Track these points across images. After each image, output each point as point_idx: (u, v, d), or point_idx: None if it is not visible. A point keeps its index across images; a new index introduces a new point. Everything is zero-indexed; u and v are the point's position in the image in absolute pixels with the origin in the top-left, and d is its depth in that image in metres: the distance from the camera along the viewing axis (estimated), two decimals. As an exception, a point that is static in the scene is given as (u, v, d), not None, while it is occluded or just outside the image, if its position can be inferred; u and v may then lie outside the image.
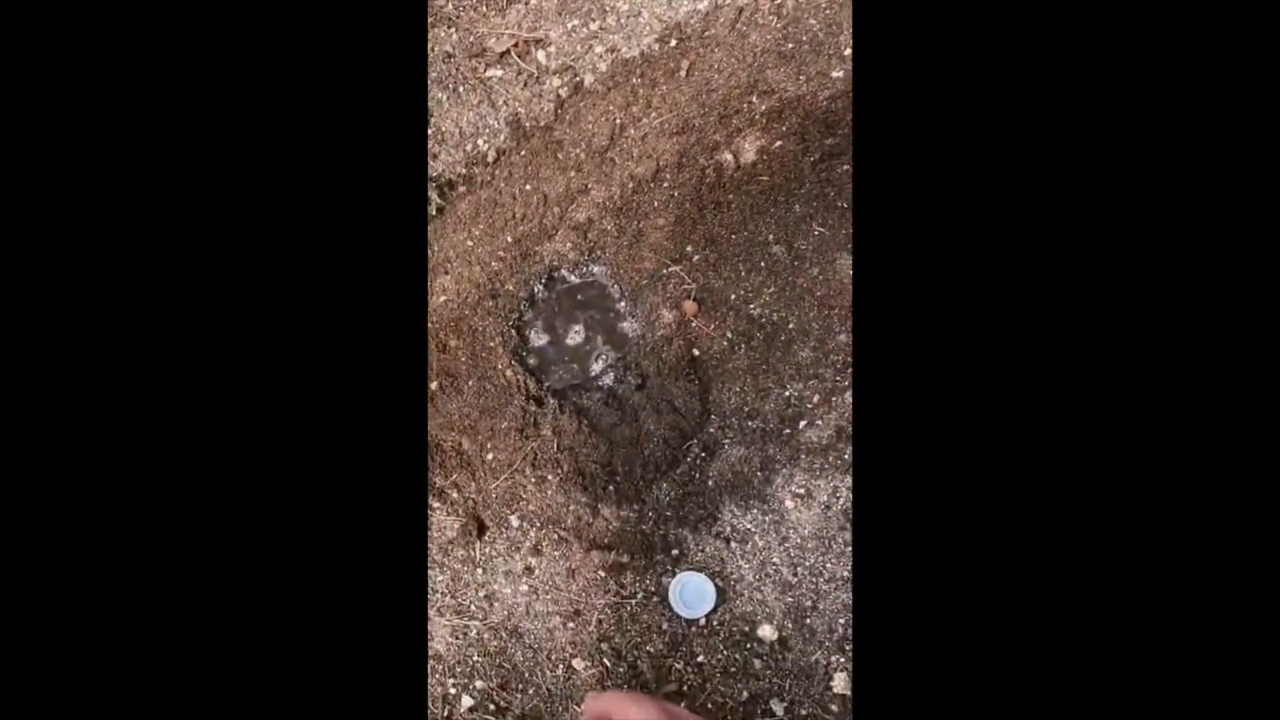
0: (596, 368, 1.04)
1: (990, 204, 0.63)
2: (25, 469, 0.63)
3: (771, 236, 1.02)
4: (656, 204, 1.05)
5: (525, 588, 0.99)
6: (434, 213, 1.08)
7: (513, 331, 1.05)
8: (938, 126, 0.64)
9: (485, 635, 1.00)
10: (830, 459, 0.98)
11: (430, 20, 1.16)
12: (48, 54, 0.65)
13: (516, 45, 1.14)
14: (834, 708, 0.93)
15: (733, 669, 0.96)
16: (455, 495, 1.02)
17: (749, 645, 0.96)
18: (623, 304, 1.06)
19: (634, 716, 0.49)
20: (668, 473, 0.99)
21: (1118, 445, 0.61)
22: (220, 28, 0.66)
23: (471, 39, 1.16)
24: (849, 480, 0.96)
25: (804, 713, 0.93)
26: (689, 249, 1.04)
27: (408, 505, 0.70)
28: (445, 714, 0.99)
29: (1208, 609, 0.60)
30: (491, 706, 0.99)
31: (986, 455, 0.63)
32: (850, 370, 0.98)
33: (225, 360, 0.65)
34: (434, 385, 1.04)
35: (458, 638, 0.99)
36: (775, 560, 0.96)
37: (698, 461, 0.99)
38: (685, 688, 0.96)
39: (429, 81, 1.13)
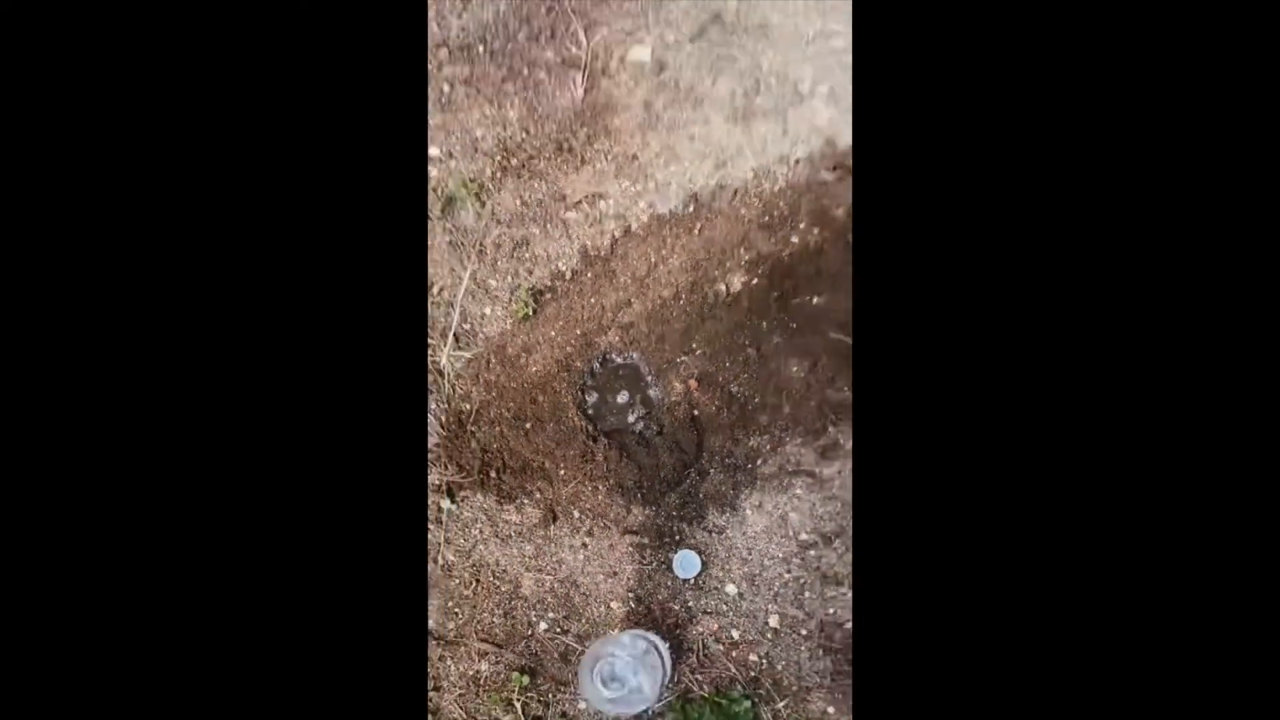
0: (632, 419, 1.66)
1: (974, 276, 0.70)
2: (25, 468, 0.66)
3: (747, 342, 1.63)
4: (674, 315, 1.66)
5: (582, 556, 1.61)
6: (531, 313, 1.69)
7: (579, 393, 1.66)
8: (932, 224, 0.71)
9: (555, 585, 1.61)
10: (776, 484, 1.59)
11: (529, 175, 1.76)
12: (48, 54, 0.67)
13: (586, 197, 1.74)
14: (768, 636, 1.56)
15: (708, 611, 1.58)
16: (539, 495, 1.63)
17: (719, 597, 1.58)
18: (650, 379, 1.67)
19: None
20: (675, 488, 1.61)
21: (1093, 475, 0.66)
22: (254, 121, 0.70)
23: (555, 190, 1.76)
24: (786, 497, 1.58)
25: (750, 638, 1.56)
26: (694, 346, 1.65)
27: (408, 500, 0.77)
28: (528, 633, 1.60)
29: (1182, 599, 0.65)
30: (559, 630, 1.60)
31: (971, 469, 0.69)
32: (793, 431, 1.59)
33: (254, 373, 0.70)
34: (529, 425, 1.65)
35: (538, 586, 1.61)
36: (738, 545, 1.59)
37: (694, 482, 1.61)
38: (679, 621, 1.58)
39: (527, 219, 1.73)
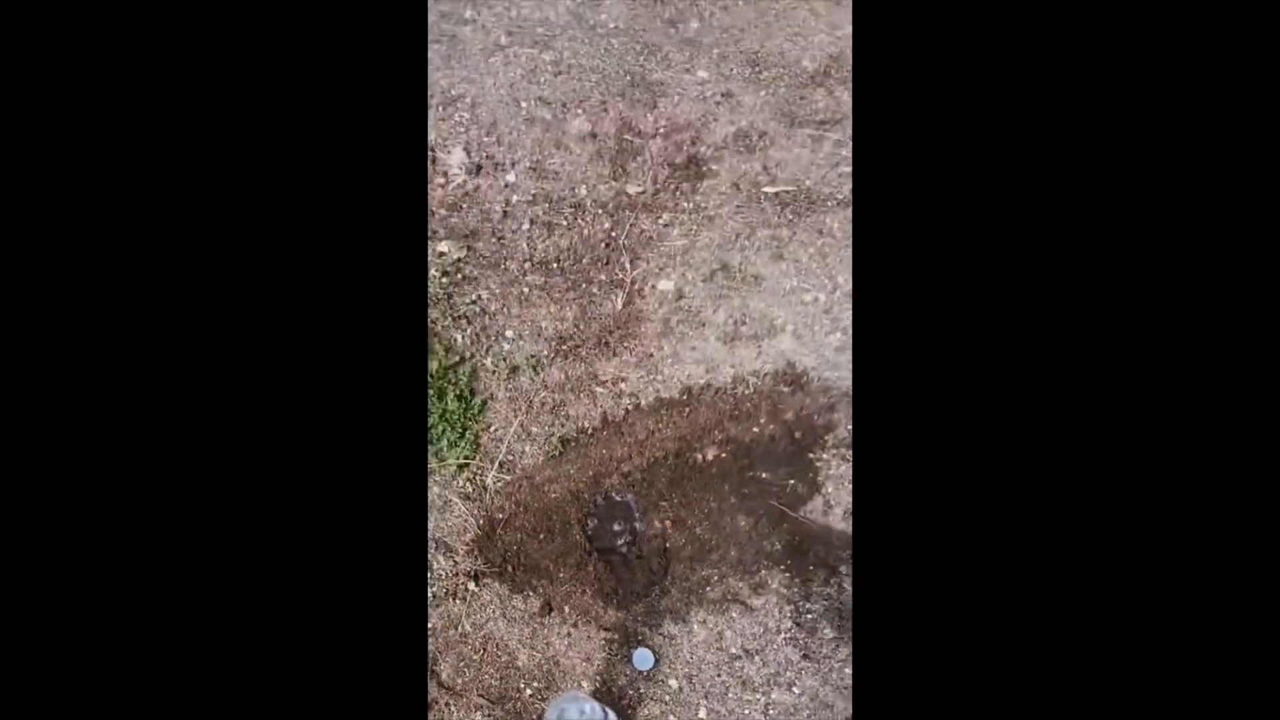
0: (619, 543, 2.25)
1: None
2: (25, 467, 0.68)
3: (712, 499, 2.25)
4: (662, 471, 2.29)
5: (566, 642, 2.15)
6: (558, 454, 2.33)
7: (584, 517, 2.27)
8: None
9: (543, 661, 2.14)
10: (718, 607, 2.15)
11: (574, 358, 2.46)
12: (48, 55, 0.69)
13: (612, 379, 2.43)
14: (701, 714, 2.06)
15: (654, 698, 2.09)
16: (541, 590, 2.20)
17: (664, 689, 2.10)
18: (638, 515, 2.28)
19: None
20: (642, 599, 2.17)
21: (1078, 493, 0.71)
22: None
23: (591, 370, 2.45)
24: (724, 618, 2.12)
25: (672, 717, 2.06)
26: (673, 496, 2.27)
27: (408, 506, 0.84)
28: (517, 695, 2.12)
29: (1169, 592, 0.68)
30: (539, 698, 2.12)
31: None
32: (735, 569, 2.16)
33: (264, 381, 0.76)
34: (542, 536, 2.24)
35: (529, 660, 2.14)
36: (683, 650, 2.12)
37: (658, 597, 2.18)
38: (631, 703, 2.09)
39: (567, 388, 2.41)
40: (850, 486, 2.19)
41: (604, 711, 1.91)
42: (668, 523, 2.23)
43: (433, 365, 2.40)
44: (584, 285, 2.56)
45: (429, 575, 2.21)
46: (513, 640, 2.15)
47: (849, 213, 2.58)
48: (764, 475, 2.24)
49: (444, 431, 2.32)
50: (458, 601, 2.19)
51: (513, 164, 2.75)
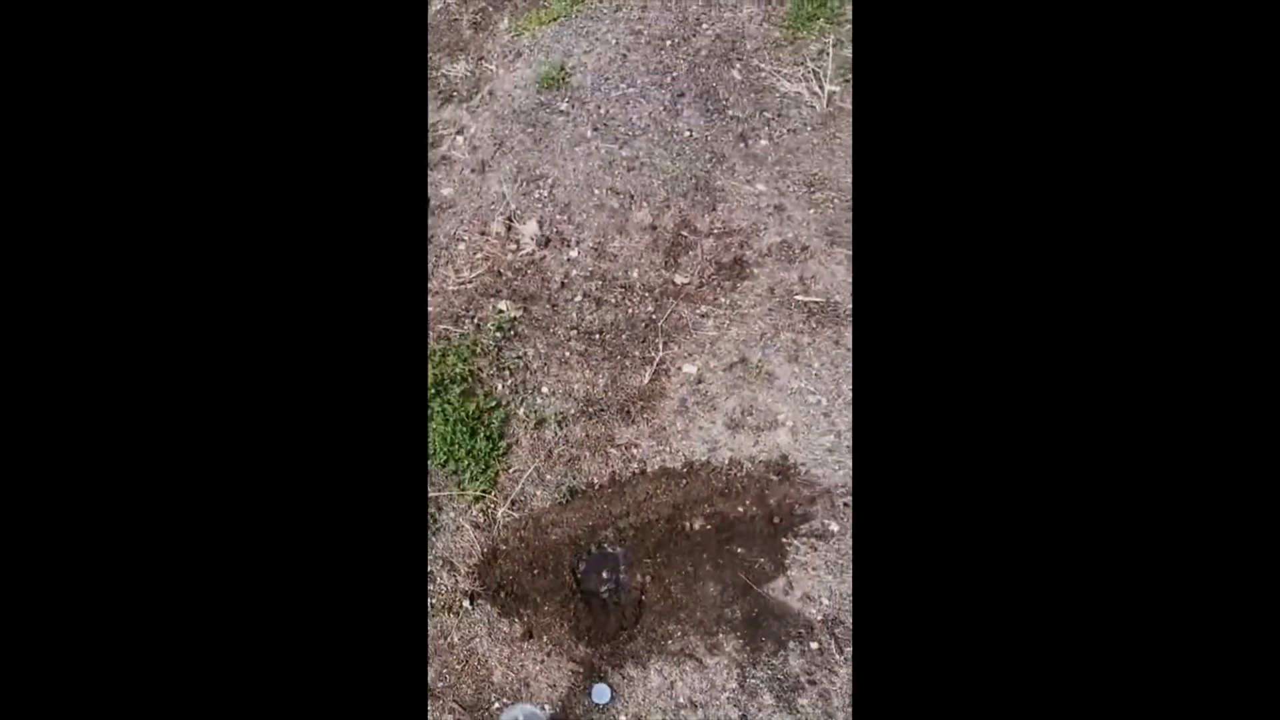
0: (602, 588, 2.55)
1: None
2: (26, 469, 0.69)
3: (690, 564, 2.53)
4: (652, 532, 2.59)
5: (538, 668, 2.45)
6: (564, 502, 2.66)
7: (575, 560, 2.58)
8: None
9: (515, 681, 2.44)
10: (674, 660, 2.41)
11: (596, 420, 2.80)
12: (48, 55, 0.69)
13: (626, 444, 2.76)
14: (637, 761, 2.31)
15: (605, 733, 2.36)
16: (526, 619, 2.50)
17: (610, 717, 2.37)
18: (624, 567, 2.58)
19: None
20: (611, 641, 2.45)
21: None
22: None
23: (609, 433, 2.79)
24: (678, 670, 2.38)
25: (625, 758, 2.31)
26: (658, 556, 2.56)
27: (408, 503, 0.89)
28: (487, 708, 2.42)
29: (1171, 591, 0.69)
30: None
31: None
32: (696, 629, 2.43)
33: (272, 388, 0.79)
34: (536, 571, 2.56)
35: (503, 678, 2.44)
36: (637, 692, 2.39)
37: (624, 641, 2.46)
38: (584, 732, 2.37)
39: (585, 445, 2.75)
40: (812, 574, 2.44)
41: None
42: (648, 578, 2.51)
43: (471, 406, 2.79)
44: (619, 357, 2.92)
45: (432, 587, 2.55)
46: (493, 658, 2.46)
47: (864, 329, 2.87)
48: (739, 550, 2.52)
49: (469, 465, 2.69)
50: (451, 615, 2.52)
51: (578, 242, 3.16)
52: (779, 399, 2.77)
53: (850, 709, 2.23)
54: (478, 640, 2.49)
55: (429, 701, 2.42)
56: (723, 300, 3.02)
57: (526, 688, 2.42)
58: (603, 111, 3.46)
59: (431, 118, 3.62)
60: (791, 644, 2.35)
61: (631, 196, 3.24)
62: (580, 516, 2.63)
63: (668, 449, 2.72)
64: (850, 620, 2.36)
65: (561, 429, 2.79)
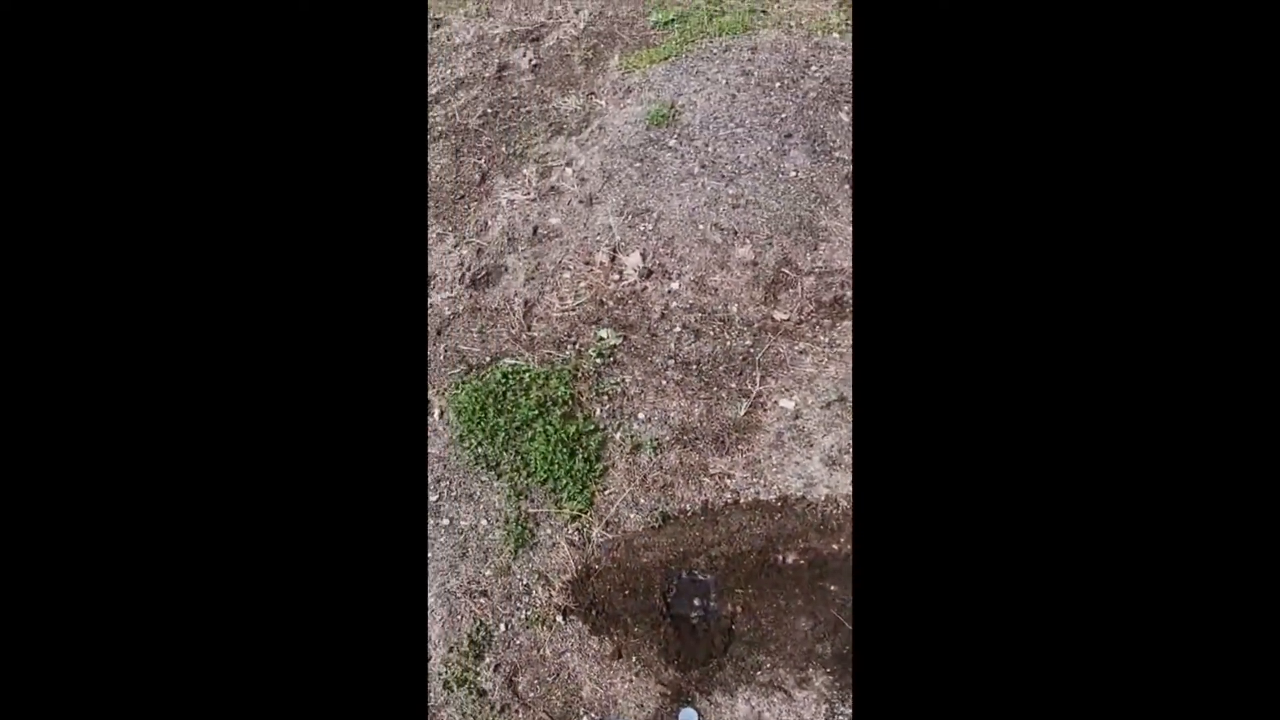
0: (692, 614, 2.62)
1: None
2: (26, 471, 0.69)
3: (781, 596, 2.58)
4: (744, 563, 2.65)
5: (627, 687, 2.52)
6: (657, 526, 2.75)
7: (667, 584, 2.66)
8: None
9: (604, 697, 2.52)
10: (762, 691, 2.46)
11: (690, 449, 2.89)
12: (48, 55, 0.69)
13: (721, 473, 2.84)
14: (721, 788, 2.36)
15: (690, 758, 2.41)
16: (616, 638, 2.59)
17: (701, 751, 2.42)
18: (714, 594, 2.64)
19: None
20: (701, 667, 2.52)
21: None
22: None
23: (703, 462, 2.87)
24: (766, 702, 2.43)
25: (709, 783, 2.36)
26: (749, 587, 2.62)
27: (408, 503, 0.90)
28: (573, 722, 2.50)
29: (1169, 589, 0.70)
30: (592, 727, 2.49)
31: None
32: (786, 662, 2.47)
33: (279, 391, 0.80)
34: (627, 592, 2.65)
35: (592, 694, 2.53)
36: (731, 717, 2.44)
37: (713, 669, 2.52)
38: (669, 755, 2.43)
39: (679, 473, 2.84)
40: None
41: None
42: (739, 608, 2.58)
43: (571, 428, 2.91)
44: (715, 389, 3.01)
45: (527, 599, 2.66)
46: (583, 673, 2.55)
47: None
48: (832, 588, 2.56)
49: (567, 484, 2.80)
50: (545, 629, 2.62)
51: (679, 275, 3.28)
52: (876, 438, 2.81)
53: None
54: (569, 655, 2.58)
55: (521, 709, 2.51)
56: (822, 338, 3.10)
57: (614, 705, 2.49)
58: (710, 150, 3.59)
59: (542, 149, 3.80)
60: (882, 682, 2.38)
61: (735, 233, 3.35)
62: (672, 542, 2.71)
63: (762, 481, 2.79)
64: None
65: (656, 455, 2.89)
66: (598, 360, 3.09)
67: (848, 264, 3.26)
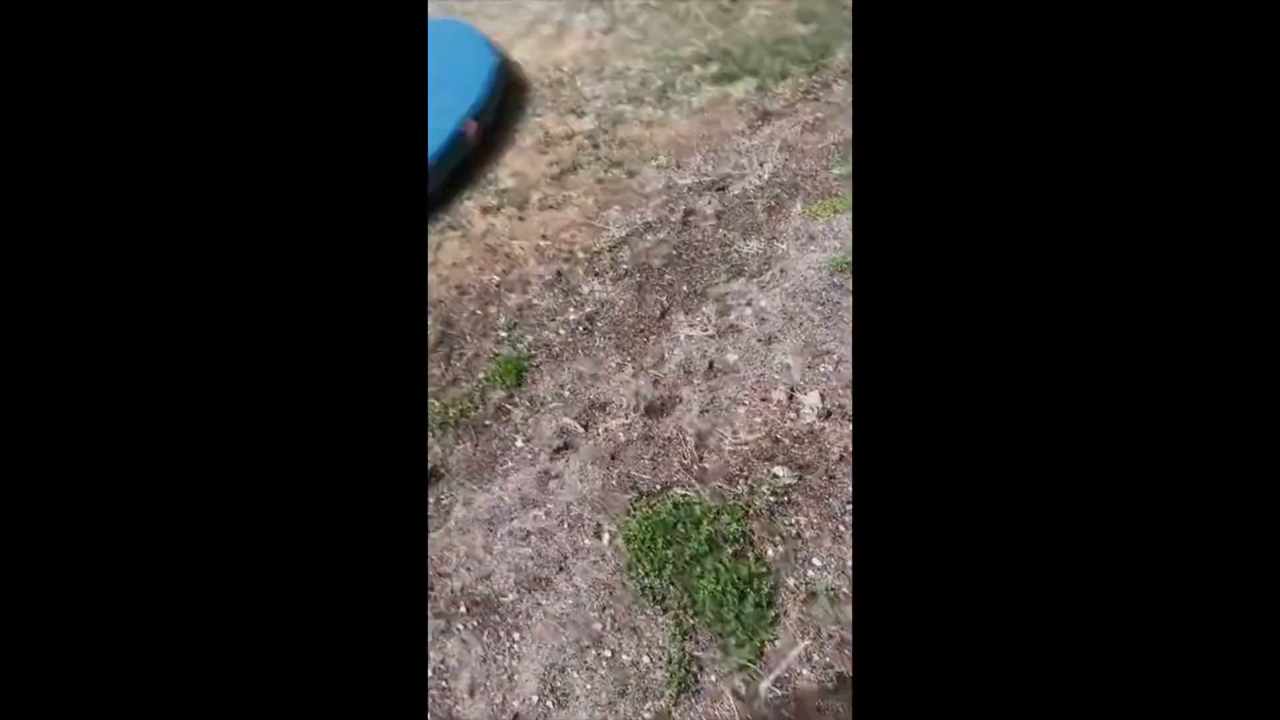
0: None
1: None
2: (26, 470, 0.69)
3: None
4: None
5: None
6: (831, 688, 2.52)
7: None
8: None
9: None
10: None
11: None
12: (49, 55, 0.69)
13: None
14: None
15: None
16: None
17: None
18: None
19: None
20: None
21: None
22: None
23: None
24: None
25: None
26: None
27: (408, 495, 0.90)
28: None
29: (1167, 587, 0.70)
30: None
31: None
32: None
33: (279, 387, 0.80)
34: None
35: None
36: None
37: None
38: None
39: (857, 627, 2.62)
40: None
41: None
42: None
43: (743, 569, 2.77)
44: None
45: (686, 751, 2.46)
46: None
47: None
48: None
49: (735, 629, 2.64)
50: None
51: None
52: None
53: None
54: None
55: None
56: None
57: None
58: (896, 294, 3.52)
59: (722, 289, 3.85)
60: None
61: (921, 379, 3.22)
62: (850, 708, 2.47)
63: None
64: None
65: (833, 606, 2.69)
66: (771, 499, 2.97)
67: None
